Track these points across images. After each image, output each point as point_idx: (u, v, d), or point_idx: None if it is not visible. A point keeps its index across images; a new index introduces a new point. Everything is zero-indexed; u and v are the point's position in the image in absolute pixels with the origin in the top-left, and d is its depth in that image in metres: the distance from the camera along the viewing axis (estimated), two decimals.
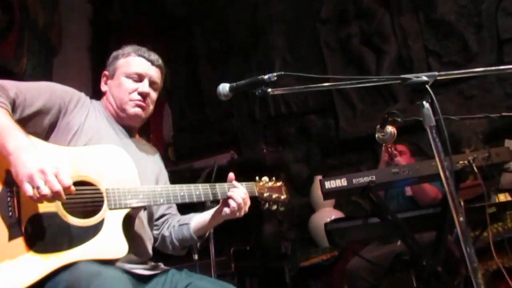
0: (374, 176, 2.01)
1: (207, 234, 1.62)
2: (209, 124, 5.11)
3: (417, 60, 4.17)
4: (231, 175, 1.56)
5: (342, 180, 2.01)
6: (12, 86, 1.30)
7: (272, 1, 4.90)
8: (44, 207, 1.16)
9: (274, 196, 1.63)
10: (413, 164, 2.10)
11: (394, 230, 2.13)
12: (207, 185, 1.46)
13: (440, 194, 2.79)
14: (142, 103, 1.55)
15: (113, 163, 1.33)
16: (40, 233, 1.13)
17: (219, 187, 1.49)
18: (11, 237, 1.10)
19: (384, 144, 2.43)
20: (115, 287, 1.10)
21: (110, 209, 1.26)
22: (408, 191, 2.95)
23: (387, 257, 2.73)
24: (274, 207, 1.63)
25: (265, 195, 1.61)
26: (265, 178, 1.67)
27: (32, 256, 1.10)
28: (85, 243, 1.18)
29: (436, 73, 1.07)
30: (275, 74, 1.19)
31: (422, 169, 2.04)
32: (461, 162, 2.01)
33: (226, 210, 1.50)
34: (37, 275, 1.08)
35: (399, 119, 2.13)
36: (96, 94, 1.67)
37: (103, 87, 1.61)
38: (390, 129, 2.21)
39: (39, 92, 1.35)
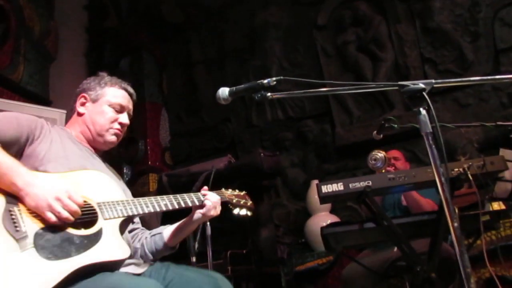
0: (370, 182, 2.03)
1: (177, 245, 1.72)
2: (205, 129, 5.12)
3: (413, 67, 4.20)
4: (205, 187, 1.73)
5: (339, 184, 2.03)
6: None
7: (269, 8, 4.94)
8: (46, 222, 1.27)
9: (242, 202, 1.83)
10: (409, 171, 2.12)
11: (389, 236, 2.14)
12: (183, 195, 1.61)
13: (436, 206, 2.79)
14: (120, 132, 1.70)
15: (97, 184, 1.47)
16: (48, 244, 1.23)
17: (194, 196, 1.65)
18: (23, 249, 1.19)
19: None
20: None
21: (105, 219, 1.38)
22: (404, 201, 2.96)
23: (383, 263, 2.74)
24: (243, 211, 1.82)
25: (234, 201, 1.80)
26: (230, 190, 1.86)
27: (46, 263, 1.19)
28: (90, 248, 1.29)
29: (433, 81, 1.09)
30: (274, 79, 1.21)
31: (418, 176, 2.06)
32: (456, 169, 2.03)
33: (201, 211, 1.64)
34: (55, 279, 1.18)
35: (396, 126, 2.16)
36: None
37: (81, 109, 1.68)
38: (380, 155, 2.24)
39: (7, 124, 1.41)
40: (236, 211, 1.78)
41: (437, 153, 1.07)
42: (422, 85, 1.06)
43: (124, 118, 1.69)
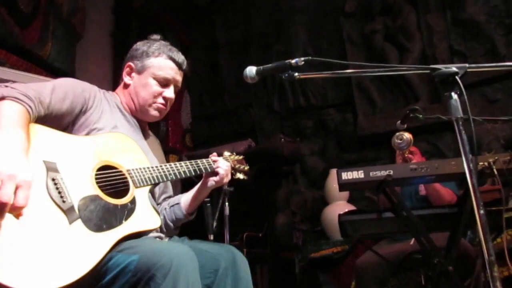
0: (391, 171, 2.00)
1: (195, 211, 1.74)
2: (226, 113, 5.13)
3: (441, 60, 4.10)
4: (214, 153, 1.73)
5: (359, 172, 2.01)
6: (43, 90, 1.34)
7: None
8: (86, 191, 1.27)
9: (241, 167, 1.85)
10: (432, 162, 2.09)
11: (408, 227, 2.12)
12: (197, 161, 1.62)
13: (455, 197, 2.76)
14: (164, 107, 1.64)
15: (123, 147, 1.46)
16: (92, 215, 1.23)
17: (206, 162, 1.65)
18: (71, 220, 1.18)
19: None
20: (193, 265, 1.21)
21: (136, 187, 1.39)
22: (422, 190, 2.94)
23: (398, 255, 2.73)
24: (241, 176, 1.84)
25: (236, 166, 1.81)
26: (228, 153, 1.85)
27: (93, 235, 1.20)
28: (129, 218, 1.31)
29: (467, 65, 1.06)
30: (302, 58, 1.20)
31: (440, 168, 2.02)
32: (481, 163, 1.99)
33: (214, 178, 1.66)
34: (103, 250, 1.20)
35: (421, 116, 2.12)
36: (117, 80, 1.71)
37: (127, 79, 1.64)
38: (406, 136, 2.20)
39: (64, 95, 1.40)
40: (237, 176, 1.81)
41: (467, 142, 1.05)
42: (455, 69, 1.04)
43: (169, 93, 1.62)
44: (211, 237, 2.14)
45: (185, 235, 1.70)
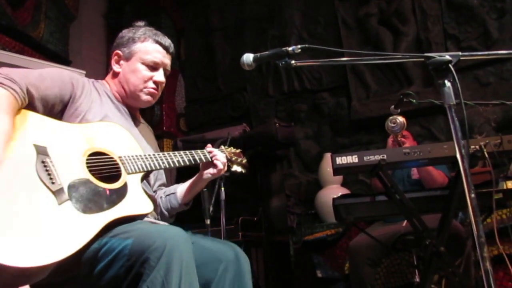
0: (385, 155, 2.04)
1: (191, 201, 1.75)
2: (221, 97, 5.12)
3: (435, 43, 4.11)
4: (209, 144, 1.73)
5: (354, 156, 2.05)
6: (29, 75, 1.35)
7: None
8: (77, 175, 1.29)
9: (238, 159, 1.83)
10: (424, 146, 2.13)
11: (401, 209, 2.17)
12: (192, 152, 1.63)
13: (447, 179, 2.82)
14: (155, 91, 1.64)
15: (115, 135, 1.47)
16: (82, 197, 1.25)
17: (201, 152, 1.65)
18: (60, 201, 1.20)
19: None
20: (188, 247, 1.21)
21: (128, 173, 1.40)
22: (415, 174, 2.99)
23: (391, 237, 2.79)
24: (239, 169, 1.83)
25: (233, 158, 1.80)
26: (226, 146, 1.85)
27: (82, 216, 1.22)
28: (119, 202, 1.32)
29: (460, 53, 1.08)
30: (299, 46, 1.21)
31: (433, 151, 2.07)
32: (472, 147, 2.03)
33: (211, 171, 1.66)
34: (92, 232, 1.21)
35: (414, 101, 2.15)
36: (110, 63, 1.69)
37: (116, 67, 1.64)
38: (400, 119, 2.24)
39: (51, 81, 1.40)
40: (233, 168, 1.81)
41: (459, 127, 1.08)
42: (448, 57, 1.06)
43: (159, 76, 1.62)
44: (208, 221, 2.17)
45: (182, 220, 1.72)
